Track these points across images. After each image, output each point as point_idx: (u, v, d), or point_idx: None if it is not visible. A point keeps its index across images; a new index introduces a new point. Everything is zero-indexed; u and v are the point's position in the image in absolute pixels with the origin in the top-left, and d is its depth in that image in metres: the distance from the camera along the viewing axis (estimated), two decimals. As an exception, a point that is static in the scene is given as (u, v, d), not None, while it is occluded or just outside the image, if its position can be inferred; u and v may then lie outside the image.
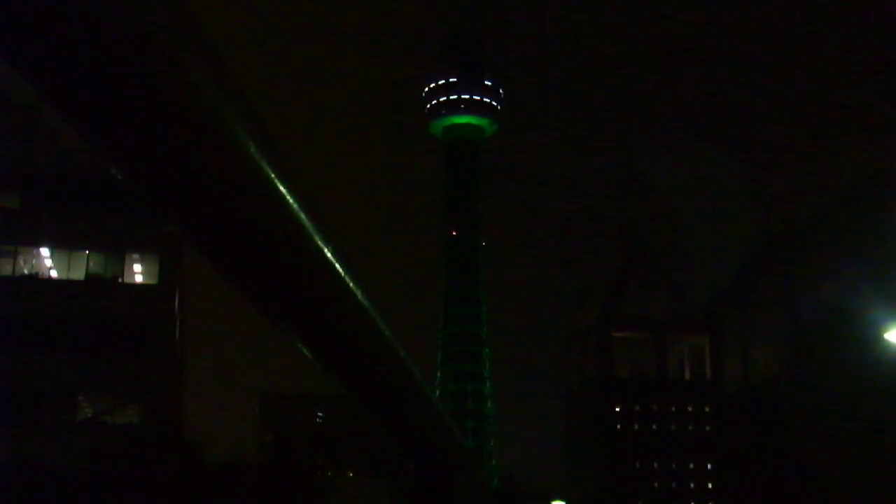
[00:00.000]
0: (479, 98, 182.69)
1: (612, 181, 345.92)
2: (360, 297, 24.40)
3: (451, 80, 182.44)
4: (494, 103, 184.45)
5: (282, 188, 16.61)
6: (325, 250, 20.39)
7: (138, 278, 60.22)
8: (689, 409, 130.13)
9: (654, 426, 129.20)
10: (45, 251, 58.23)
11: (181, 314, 65.52)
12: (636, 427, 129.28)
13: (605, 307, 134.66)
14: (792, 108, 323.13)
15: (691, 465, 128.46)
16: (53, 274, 58.26)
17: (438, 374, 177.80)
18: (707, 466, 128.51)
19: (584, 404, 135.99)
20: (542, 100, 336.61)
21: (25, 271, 57.17)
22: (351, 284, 23.15)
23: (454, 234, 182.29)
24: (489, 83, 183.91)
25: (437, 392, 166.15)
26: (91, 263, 58.01)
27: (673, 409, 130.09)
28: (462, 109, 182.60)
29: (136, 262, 59.92)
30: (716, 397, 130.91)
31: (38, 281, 57.34)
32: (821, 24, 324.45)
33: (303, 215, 18.14)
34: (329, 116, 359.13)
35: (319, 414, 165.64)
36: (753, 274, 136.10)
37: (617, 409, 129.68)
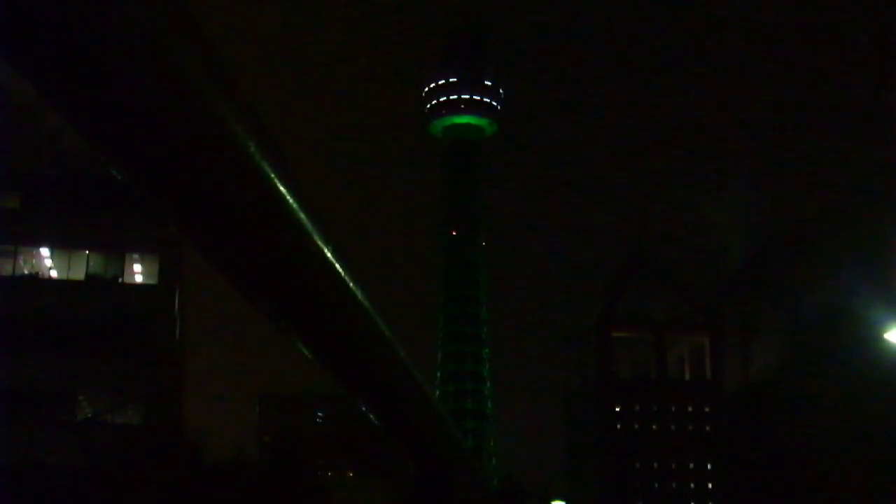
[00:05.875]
0: (479, 98, 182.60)
1: (612, 181, 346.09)
2: (360, 297, 24.38)
3: (451, 80, 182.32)
4: (494, 103, 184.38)
5: (282, 188, 16.59)
6: (325, 250, 20.37)
7: (138, 278, 60.25)
8: (689, 409, 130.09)
9: (654, 426, 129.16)
10: (45, 251, 58.23)
11: (181, 314, 65.54)
12: (636, 427, 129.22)
13: (605, 307, 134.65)
14: (792, 109, 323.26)
15: (691, 465, 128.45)
16: (53, 274, 58.27)
17: (438, 374, 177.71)
18: (707, 466, 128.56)
19: (584, 404, 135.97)
20: (543, 100, 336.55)
21: (25, 271, 57.18)
22: (351, 284, 23.13)
23: (454, 234, 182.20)
24: (489, 83, 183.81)
25: (437, 392, 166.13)
26: (91, 263, 58.03)
27: (673, 409, 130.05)
28: (462, 109, 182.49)
29: (136, 262, 59.95)
30: (716, 397, 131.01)
31: (38, 281, 57.35)
32: (821, 25, 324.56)
33: (303, 215, 18.12)
34: (329, 116, 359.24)
35: (319, 414, 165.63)
36: (754, 274, 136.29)
37: (617, 409, 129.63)
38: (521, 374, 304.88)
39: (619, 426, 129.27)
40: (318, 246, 19.74)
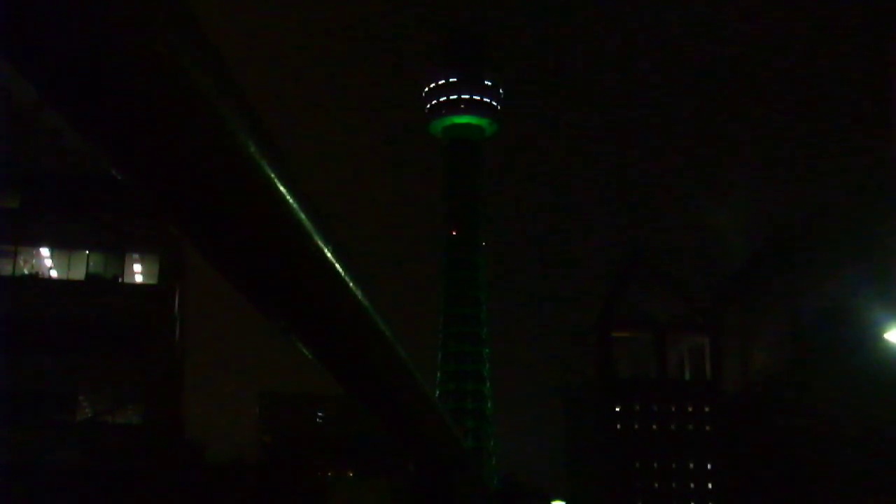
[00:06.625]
0: (479, 98, 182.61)
1: (612, 181, 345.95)
2: (360, 297, 24.37)
3: (451, 80, 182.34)
4: (494, 103, 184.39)
5: (282, 188, 16.59)
6: (325, 250, 20.36)
7: (138, 278, 60.18)
8: (689, 409, 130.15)
9: (654, 426, 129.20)
10: (45, 251, 58.17)
11: (181, 314, 65.51)
12: (636, 427, 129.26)
13: (605, 307, 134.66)
14: (792, 108, 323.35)
15: (691, 465, 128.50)
16: (53, 274, 58.21)
17: (438, 374, 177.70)
18: (707, 466, 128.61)
19: (584, 404, 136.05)
20: (542, 100, 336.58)
21: (25, 271, 57.12)
22: (351, 284, 23.12)
23: (454, 234, 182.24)
24: (489, 83, 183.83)
25: (437, 392, 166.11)
26: (91, 263, 57.97)
27: (673, 409, 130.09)
28: (462, 109, 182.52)
29: (136, 262, 59.88)
30: (716, 397, 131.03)
31: (38, 281, 57.30)
32: (822, 25, 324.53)
33: (303, 215, 18.12)
34: (329, 116, 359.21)
35: (319, 414, 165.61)
36: (753, 274, 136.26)
37: (617, 409, 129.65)
38: (521, 374, 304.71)
39: (619, 426, 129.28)
40: (318, 246, 19.74)
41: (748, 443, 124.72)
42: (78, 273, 57.73)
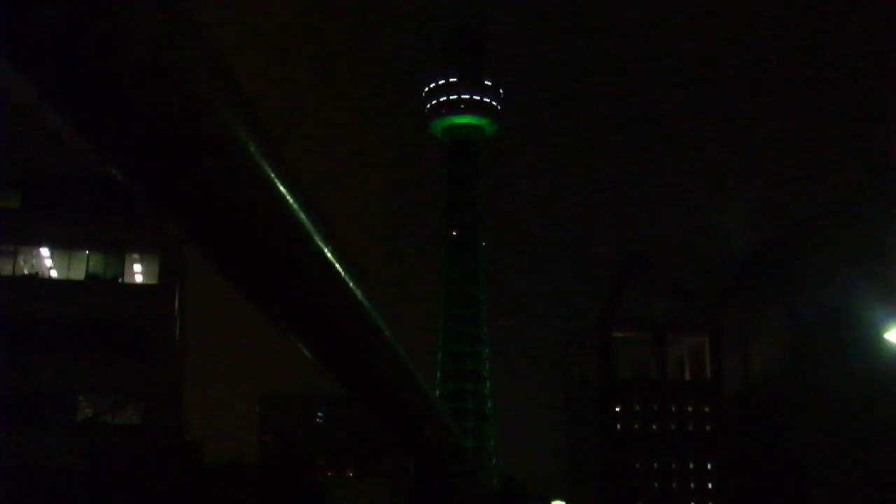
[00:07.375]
0: (479, 98, 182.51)
1: (612, 181, 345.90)
2: (360, 297, 24.38)
3: (451, 80, 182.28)
4: (494, 103, 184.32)
5: (282, 188, 16.59)
6: (325, 250, 20.37)
7: (138, 278, 60.23)
8: (689, 409, 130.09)
9: (654, 426, 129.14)
10: (45, 251, 58.21)
11: (181, 314, 65.57)
12: (636, 427, 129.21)
13: (605, 307, 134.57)
14: (792, 108, 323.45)
15: (691, 465, 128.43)
16: (53, 274, 58.24)
17: (438, 374, 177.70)
18: (707, 466, 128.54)
19: (584, 404, 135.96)
20: (543, 100, 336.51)
21: (25, 271, 57.15)
22: (351, 284, 23.13)
23: (454, 234, 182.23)
24: (489, 83, 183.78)
25: (437, 392, 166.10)
26: (91, 263, 58.00)
27: (673, 409, 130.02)
28: (462, 109, 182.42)
29: (136, 262, 59.92)
30: (716, 397, 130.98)
31: (38, 281, 57.33)
32: (821, 24, 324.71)
33: (303, 215, 18.13)
34: (329, 116, 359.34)
35: (319, 414, 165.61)
36: (753, 274, 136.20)
37: (617, 409, 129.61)
38: (521, 374, 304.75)
39: (619, 426, 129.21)
40: (318, 246, 19.74)
41: (748, 443, 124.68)
42: (78, 273, 57.76)
